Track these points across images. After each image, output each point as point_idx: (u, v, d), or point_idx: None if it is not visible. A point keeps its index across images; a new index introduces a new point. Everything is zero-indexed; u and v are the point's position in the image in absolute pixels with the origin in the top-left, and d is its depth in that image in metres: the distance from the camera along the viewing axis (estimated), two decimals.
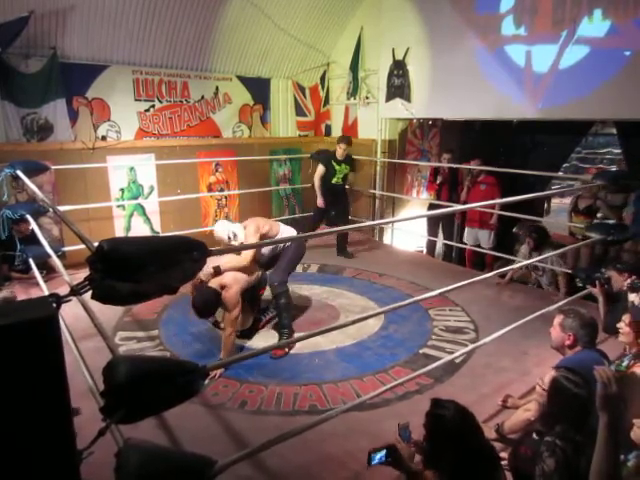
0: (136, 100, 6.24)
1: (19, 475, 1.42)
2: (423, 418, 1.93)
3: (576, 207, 5.73)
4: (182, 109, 6.64)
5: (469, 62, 5.75)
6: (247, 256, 3.81)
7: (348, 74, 7.43)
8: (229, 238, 3.85)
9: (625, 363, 2.80)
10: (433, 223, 6.85)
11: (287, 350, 3.83)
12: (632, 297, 3.12)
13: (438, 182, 6.50)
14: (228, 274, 3.76)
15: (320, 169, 6.16)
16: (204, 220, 6.95)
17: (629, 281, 3.22)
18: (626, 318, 2.53)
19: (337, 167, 6.14)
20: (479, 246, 6.27)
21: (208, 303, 3.60)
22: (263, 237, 3.94)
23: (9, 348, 1.35)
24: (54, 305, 1.50)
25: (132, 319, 4.38)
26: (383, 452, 1.72)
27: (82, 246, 2.07)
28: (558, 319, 2.66)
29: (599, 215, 5.54)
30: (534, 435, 2.04)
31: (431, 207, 6.74)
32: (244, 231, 3.92)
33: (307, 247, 4.38)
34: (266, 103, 7.52)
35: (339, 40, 7.62)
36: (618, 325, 2.62)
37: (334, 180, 6.16)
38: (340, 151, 6.10)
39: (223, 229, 3.90)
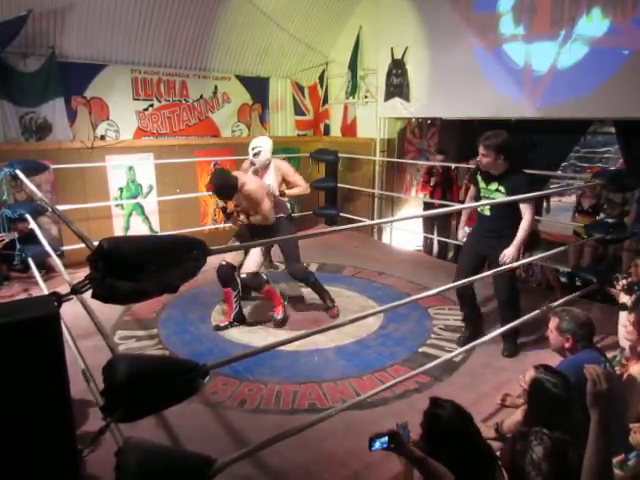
0: (135, 99, 6.23)
1: (21, 473, 1.42)
2: (422, 417, 1.94)
3: (580, 206, 5.73)
4: (181, 108, 6.63)
5: (468, 61, 5.76)
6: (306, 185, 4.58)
7: (347, 73, 7.43)
8: (253, 149, 4.32)
9: (618, 358, 2.83)
10: (427, 222, 6.86)
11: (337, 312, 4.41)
12: (624, 298, 3.12)
13: (432, 184, 6.49)
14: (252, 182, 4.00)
15: (471, 191, 4.17)
16: (203, 219, 6.95)
17: (624, 282, 3.20)
18: (631, 317, 2.53)
19: (482, 185, 3.71)
20: None
21: (228, 181, 3.85)
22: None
23: (11, 346, 1.36)
24: (55, 304, 1.50)
25: (131, 318, 4.38)
26: (385, 438, 1.69)
27: (81, 245, 2.07)
28: (553, 323, 2.66)
29: (602, 215, 5.55)
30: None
31: (425, 206, 6.76)
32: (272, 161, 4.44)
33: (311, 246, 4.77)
34: (265, 102, 7.52)
35: (338, 39, 7.62)
36: (624, 324, 2.61)
37: (479, 208, 3.77)
38: (483, 160, 3.54)
39: (259, 141, 4.37)
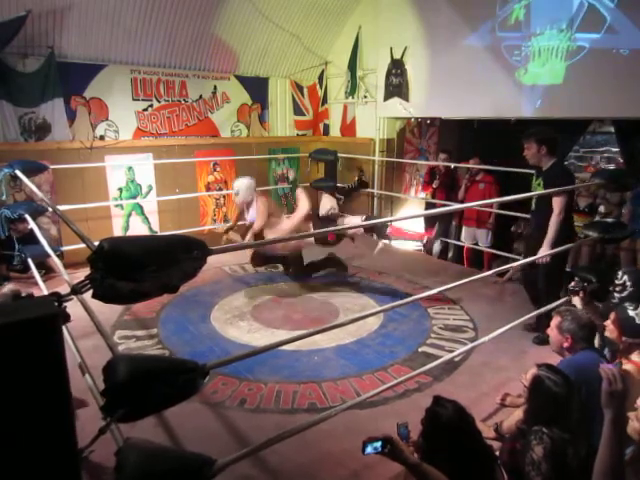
0: (134, 99, 6.22)
1: (21, 473, 1.42)
2: (423, 416, 1.94)
3: (576, 206, 5.72)
4: (180, 108, 6.63)
5: (467, 61, 5.76)
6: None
7: (346, 73, 7.43)
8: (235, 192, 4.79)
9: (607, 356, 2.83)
10: (430, 222, 6.85)
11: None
12: (575, 300, 3.18)
13: (434, 186, 6.48)
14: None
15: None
16: (202, 219, 6.95)
17: (573, 284, 3.25)
18: (612, 315, 2.55)
19: (535, 182, 3.86)
20: (477, 245, 6.28)
21: None
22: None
23: (13, 346, 1.36)
24: (56, 304, 1.50)
25: (131, 318, 4.38)
26: (379, 442, 1.69)
27: (80, 245, 2.07)
28: (555, 321, 2.66)
29: (600, 210, 5.54)
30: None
31: (428, 206, 6.75)
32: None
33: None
34: (264, 102, 7.52)
35: (337, 39, 7.62)
36: (605, 323, 2.63)
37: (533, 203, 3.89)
38: (528, 154, 3.73)
39: (241, 183, 4.75)
